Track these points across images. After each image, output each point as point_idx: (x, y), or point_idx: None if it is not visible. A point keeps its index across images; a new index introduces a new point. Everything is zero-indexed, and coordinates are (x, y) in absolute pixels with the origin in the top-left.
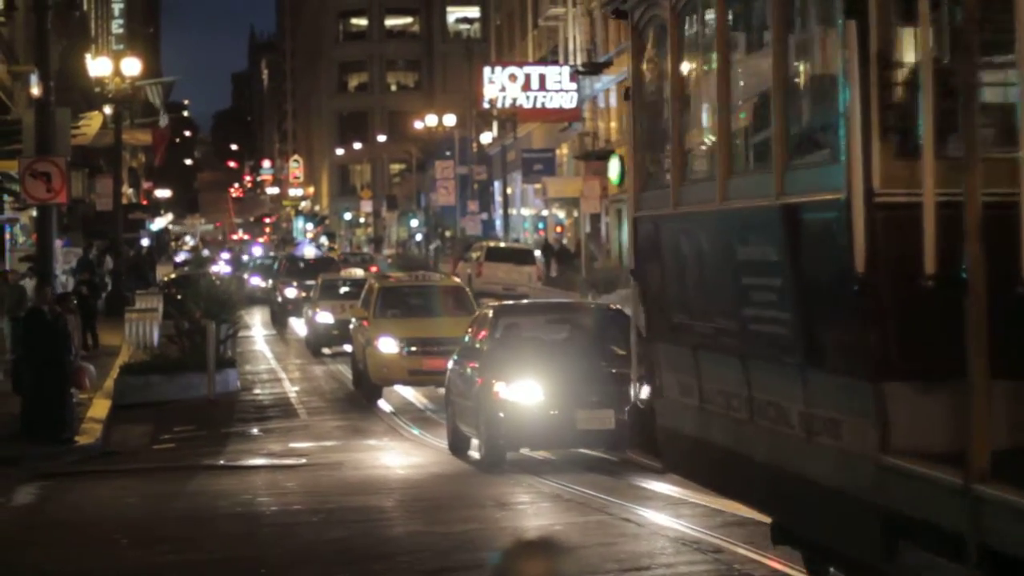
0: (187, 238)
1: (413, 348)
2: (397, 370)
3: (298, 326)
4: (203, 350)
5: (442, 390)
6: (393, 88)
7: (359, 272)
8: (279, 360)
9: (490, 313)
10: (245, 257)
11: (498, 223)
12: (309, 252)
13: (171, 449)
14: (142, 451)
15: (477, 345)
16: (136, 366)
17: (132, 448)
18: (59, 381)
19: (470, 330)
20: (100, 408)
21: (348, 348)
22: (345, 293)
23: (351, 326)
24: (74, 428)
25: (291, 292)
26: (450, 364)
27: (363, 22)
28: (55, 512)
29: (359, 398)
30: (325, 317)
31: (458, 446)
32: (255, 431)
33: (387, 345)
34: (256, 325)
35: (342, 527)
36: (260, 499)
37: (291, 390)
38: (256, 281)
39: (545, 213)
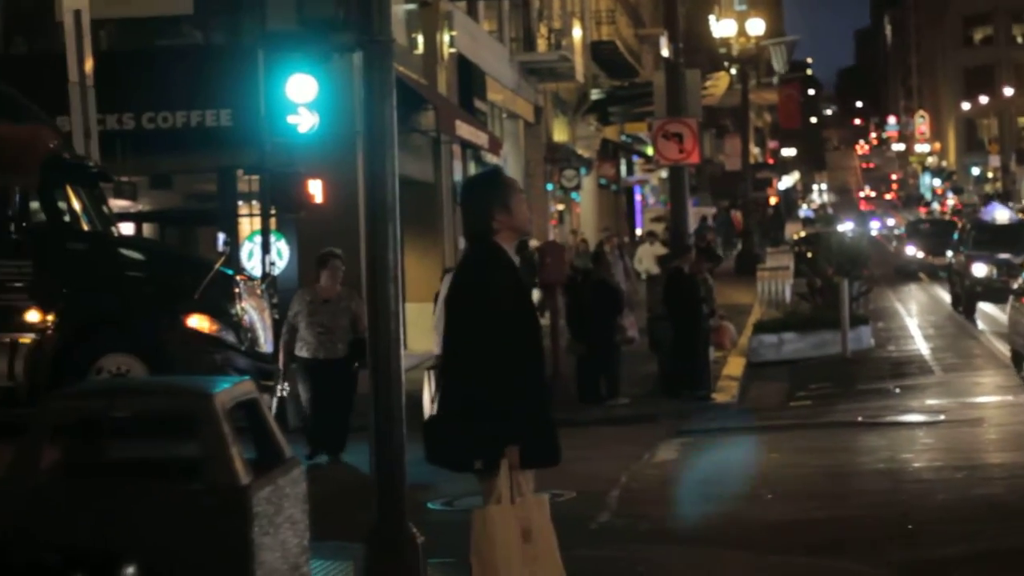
0: (813, 195)
1: None
2: None
3: (990, 319)
4: (835, 307)
5: None
6: (1019, 40)
7: None
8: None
9: None
10: (877, 223)
11: None
12: (1001, 216)
13: (807, 406)
14: (778, 408)
15: None
16: (769, 324)
17: (767, 405)
18: (697, 339)
19: None
20: (735, 366)
21: None
22: None
23: None
24: (710, 386)
25: (980, 269)
26: None
27: None
28: (696, 467)
29: None
30: None
31: None
32: (891, 388)
33: None
34: (911, 316)
35: (987, 484)
36: (901, 456)
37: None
38: (911, 250)
39: None
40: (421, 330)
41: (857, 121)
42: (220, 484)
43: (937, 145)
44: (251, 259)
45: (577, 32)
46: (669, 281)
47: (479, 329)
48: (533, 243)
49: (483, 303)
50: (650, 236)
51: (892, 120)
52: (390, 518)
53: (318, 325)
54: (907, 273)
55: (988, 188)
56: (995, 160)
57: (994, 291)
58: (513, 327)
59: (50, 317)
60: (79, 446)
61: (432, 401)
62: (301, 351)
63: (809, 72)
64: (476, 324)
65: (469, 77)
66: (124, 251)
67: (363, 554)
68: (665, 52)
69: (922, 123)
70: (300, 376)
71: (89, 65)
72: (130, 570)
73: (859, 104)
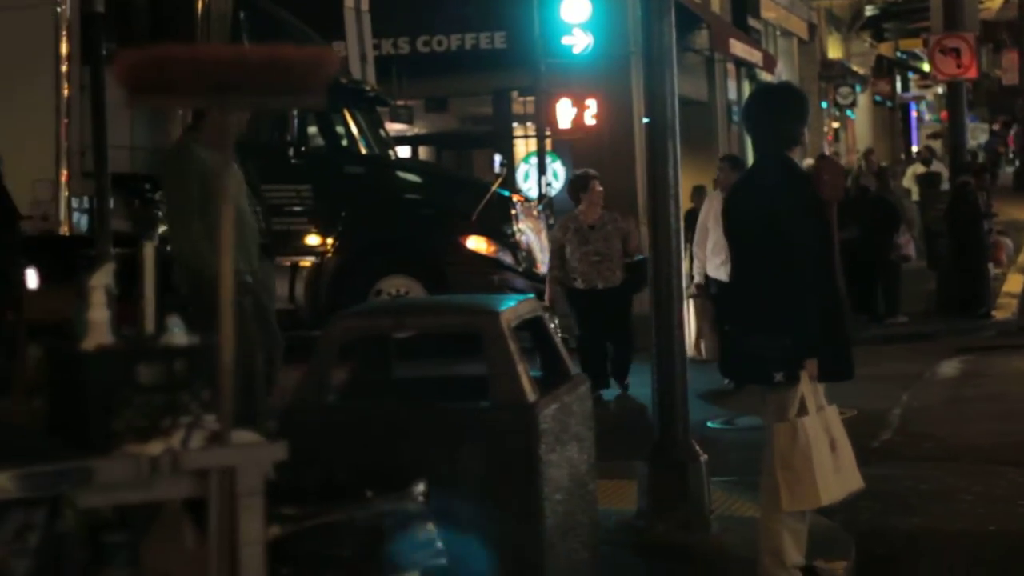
0: None
1: None
2: None
3: None
4: None
5: None
6: None
7: None
8: None
9: None
10: None
11: None
12: None
13: None
14: None
15: None
16: None
17: None
18: (978, 256)
19: None
20: (1015, 283)
21: None
22: None
23: None
24: (990, 303)
25: None
26: None
27: None
28: (977, 385)
29: None
30: None
31: None
32: None
33: None
34: None
35: None
36: None
37: None
38: None
39: None
40: None
41: None
42: (507, 402)
43: None
44: (527, 181)
45: None
46: (955, 196)
47: (779, 242)
48: (808, 161)
49: (783, 216)
50: (920, 154)
51: None
52: (672, 435)
53: (593, 254)
54: None
55: None
56: None
57: None
58: (812, 240)
59: (329, 241)
60: (366, 365)
61: (690, 332)
62: (575, 283)
63: None
64: (776, 237)
65: None
66: (401, 174)
67: (646, 472)
68: None
69: None
70: (574, 308)
71: None
72: (420, 487)
73: None
